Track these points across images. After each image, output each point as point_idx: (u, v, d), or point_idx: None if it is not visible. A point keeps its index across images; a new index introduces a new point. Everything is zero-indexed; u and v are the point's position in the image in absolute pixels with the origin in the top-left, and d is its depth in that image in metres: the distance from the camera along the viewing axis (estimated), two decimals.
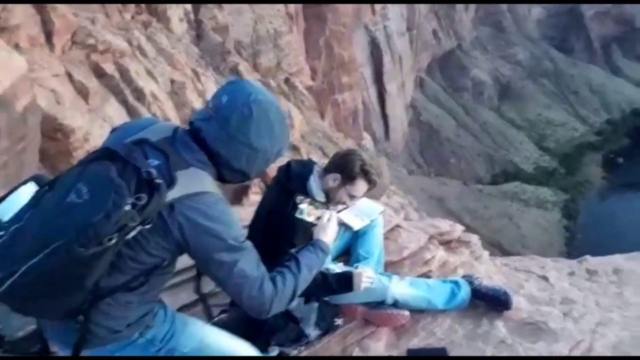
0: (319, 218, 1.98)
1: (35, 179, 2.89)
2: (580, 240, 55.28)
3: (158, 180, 1.44)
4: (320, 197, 2.53)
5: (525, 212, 58.42)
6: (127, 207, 1.39)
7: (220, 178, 1.68)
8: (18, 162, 13.01)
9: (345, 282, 2.59)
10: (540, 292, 3.25)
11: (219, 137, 1.61)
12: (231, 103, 1.62)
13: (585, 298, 3.24)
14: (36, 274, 1.37)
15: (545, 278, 3.54)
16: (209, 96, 22.33)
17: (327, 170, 2.65)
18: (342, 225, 2.86)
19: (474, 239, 3.81)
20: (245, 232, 1.71)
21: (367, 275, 2.59)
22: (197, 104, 20.12)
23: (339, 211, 2.82)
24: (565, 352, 2.58)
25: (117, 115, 16.78)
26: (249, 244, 1.63)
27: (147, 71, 18.16)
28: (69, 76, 14.93)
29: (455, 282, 2.90)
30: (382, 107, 60.67)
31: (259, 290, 1.62)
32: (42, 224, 1.42)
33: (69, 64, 15.22)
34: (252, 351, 1.96)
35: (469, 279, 2.96)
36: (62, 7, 15.19)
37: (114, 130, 1.77)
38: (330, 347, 2.59)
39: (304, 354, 2.50)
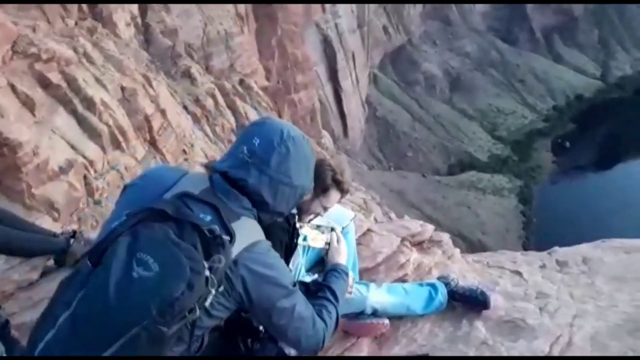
0: (327, 242, 2.03)
1: None
2: (536, 223, 57.47)
3: (225, 237, 1.35)
4: (317, 220, 2.46)
5: (482, 200, 60.21)
6: (207, 273, 1.28)
7: (258, 220, 1.60)
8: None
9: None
10: (514, 288, 3.25)
11: (261, 182, 1.54)
12: (267, 144, 1.55)
13: (558, 291, 3.24)
14: None
15: (518, 273, 3.54)
16: (162, 102, 21.82)
17: None
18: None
19: (445, 237, 3.78)
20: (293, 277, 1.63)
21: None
22: (150, 110, 19.56)
23: (309, 220, 2.76)
24: (545, 348, 2.57)
25: (66, 125, 16.08)
26: (296, 284, 1.59)
27: (95, 79, 17.49)
28: (12, 87, 14.17)
29: (432, 285, 2.87)
30: (339, 104, 61.07)
31: (313, 329, 1.61)
32: (110, 307, 1.23)
33: (12, 75, 14.44)
34: None
35: (444, 280, 2.93)
36: (0, 15, 14.41)
37: (129, 186, 1.63)
38: None
39: None
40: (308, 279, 2.56)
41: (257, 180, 1.53)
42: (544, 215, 57.21)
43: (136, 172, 17.85)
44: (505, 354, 2.55)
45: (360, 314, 2.66)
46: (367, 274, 3.05)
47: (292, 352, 2.36)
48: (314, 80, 46.15)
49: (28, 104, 14.58)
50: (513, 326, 2.75)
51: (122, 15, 23.73)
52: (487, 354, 2.55)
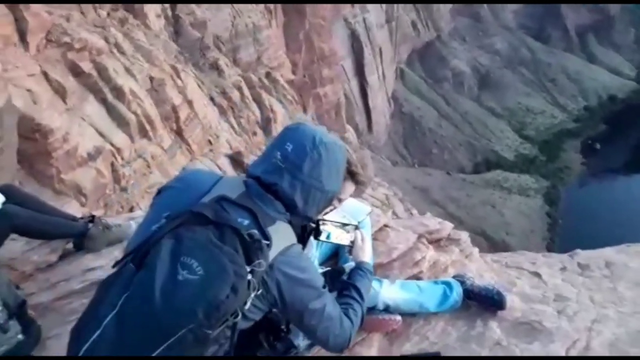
0: (352, 241, 2.05)
1: (2, 189, 2.81)
2: (562, 225, 56.25)
3: (265, 242, 1.39)
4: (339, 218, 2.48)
5: (507, 199, 59.20)
6: (249, 277, 1.32)
7: (290, 223, 1.63)
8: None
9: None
10: (533, 290, 3.18)
11: (294, 187, 1.58)
12: (299, 150, 1.60)
13: (579, 294, 3.15)
14: None
15: (537, 274, 3.46)
16: (189, 93, 22.13)
17: None
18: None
19: (464, 236, 3.66)
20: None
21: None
22: (177, 100, 19.90)
23: (324, 214, 2.78)
24: (562, 352, 2.51)
25: (96, 113, 16.51)
26: (326, 286, 1.63)
27: (125, 69, 17.88)
28: (45, 75, 14.63)
29: (447, 283, 2.82)
30: (364, 99, 60.77)
31: (341, 328, 1.65)
32: (156, 309, 1.24)
33: (45, 63, 14.90)
34: None
35: (460, 279, 2.87)
36: (35, 5, 14.83)
37: (165, 189, 1.66)
38: (320, 357, 2.44)
39: None
40: (321, 271, 2.61)
41: (289, 185, 1.57)
42: (570, 218, 55.96)
43: (162, 160, 18.22)
44: (519, 356, 2.51)
45: (372, 309, 2.63)
46: (381, 270, 3.01)
47: (300, 342, 2.37)
48: (340, 74, 46.03)
49: (60, 91, 15.03)
50: (529, 328, 2.70)
51: (153, 7, 24.13)
52: (500, 354, 2.51)
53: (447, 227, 3.64)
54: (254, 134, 26.86)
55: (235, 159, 20.46)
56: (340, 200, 2.54)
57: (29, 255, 2.90)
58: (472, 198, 57.74)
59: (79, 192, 14.17)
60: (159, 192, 1.67)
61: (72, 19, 16.86)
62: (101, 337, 1.26)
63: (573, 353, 2.52)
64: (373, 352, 2.53)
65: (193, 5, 27.47)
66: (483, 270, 3.34)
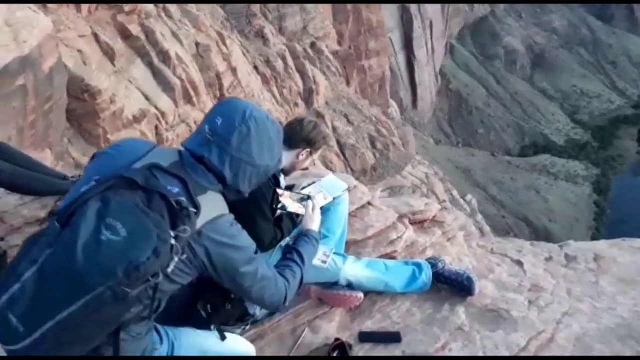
0: (303, 208, 2.14)
1: None
2: (610, 216, 54.13)
3: (192, 209, 1.43)
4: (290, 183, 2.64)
5: (554, 185, 57.32)
6: (173, 241, 1.37)
7: (224, 196, 1.67)
8: (46, 122, 13.25)
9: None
10: (510, 278, 3.14)
11: (222, 160, 1.60)
12: (228, 124, 1.62)
13: (556, 286, 3.11)
14: (72, 321, 1.30)
15: (519, 263, 3.41)
16: (233, 60, 22.19)
17: (289, 144, 2.58)
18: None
19: (450, 219, 3.66)
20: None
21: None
22: (222, 68, 20.04)
23: (302, 188, 2.81)
24: (523, 343, 2.50)
25: (142, 77, 16.86)
26: (258, 251, 1.69)
27: (172, 33, 18.10)
28: (96, 37, 14.99)
29: (418, 265, 2.79)
30: (411, 74, 59.50)
31: (276, 288, 1.71)
32: (77, 266, 1.30)
33: (96, 25, 15.25)
34: (248, 345, 2.03)
35: (433, 261, 2.84)
36: None
37: (99, 154, 1.68)
38: (280, 327, 2.55)
39: (251, 333, 2.45)
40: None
41: (218, 158, 1.59)
42: (619, 208, 53.68)
43: None
44: (478, 343, 2.50)
45: (335, 285, 2.68)
46: (354, 247, 3.02)
47: (257, 312, 2.37)
48: (387, 47, 45.05)
49: (109, 53, 15.39)
50: (496, 316, 2.68)
51: None
52: (460, 340, 2.51)
53: (434, 208, 3.62)
54: (296, 105, 26.82)
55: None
56: (283, 172, 2.61)
57: (20, 209, 2.98)
58: (516, 182, 56.19)
59: None
60: (94, 157, 1.70)
61: None
62: (21, 291, 1.32)
63: (535, 344, 2.51)
64: (333, 327, 2.58)
65: None
66: (463, 255, 3.33)
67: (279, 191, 2.10)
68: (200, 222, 1.47)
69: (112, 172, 1.48)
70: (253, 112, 1.65)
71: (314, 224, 2.10)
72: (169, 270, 1.39)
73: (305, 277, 1.90)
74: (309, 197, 2.05)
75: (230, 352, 1.91)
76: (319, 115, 27.49)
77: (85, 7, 15.16)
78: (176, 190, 1.48)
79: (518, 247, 3.87)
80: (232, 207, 2.49)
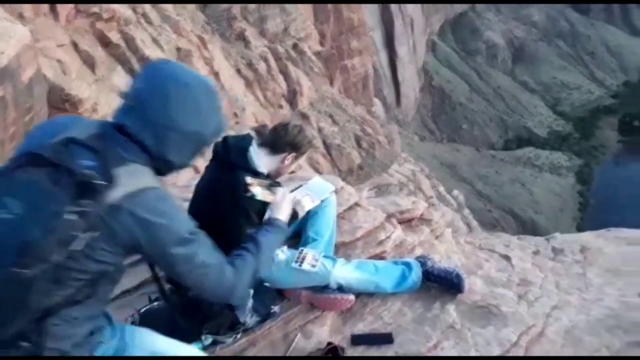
0: (272, 195, 2.01)
1: None
2: (594, 205, 54.90)
3: (97, 182, 1.33)
4: (263, 170, 2.54)
5: (538, 177, 57.99)
6: (70, 217, 1.28)
7: (158, 171, 1.53)
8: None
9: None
10: (498, 273, 3.16)
11: (143, 127, 1.46)
12: (148, 87, 1.48)
13: (544, 279, 3.14)
14: None
15: (507, 257, 3.44)
16: (215, 64, 22.07)
17: (274, 149, 2.57)
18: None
19: (437, 216, 3.67)
20: (194, 223, 1.54)
21: (312, 257, 2.62)
22: (204, 72, 19.89)
23: (291, 191, 2.75)
24: (514, 338, 2.51)
25: (124, 84, 16.68)
26: (201, 233, 1.54)
27: (152, 39, 17.94)
28: (75, 46, 14.80)
29: (407, 264, 2.79)
30: (393, 72, 59.73)
31: (220, 277, 1.55)
32: None
33: (74, 34, 15.06)
34: (200, 354, 1.95)
35: (422, 260, 2.85)
36: None
37: (25, 136, 1.60)
38: (271, 334, 2.53)
39: (242, 341, 2.45)
40: (277, 250, 2.59)
41: (137, 124, 1.47)
42: (602, 197, 54.50)
43: None
44: (470, 340, 2.51)
45: (325, 288, 2.65)
46: (343, 249, 3.01)
47: (247, 320, 2.41)
48: (369, 46, 45.15)
49: (89, 62, 15.20)
50: (486, 312, 2.70)
51: None
52: (452, 338, 2.52)
53: (420, 207, 3.63)
54: (280, 107, 26.76)
55: (261, 132, 20.50)
56: (269, 176, 2.56)
57: None
58: (501, 175, 56.74)
59: None
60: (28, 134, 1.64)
61: None
62: None
63: (526, 339, 2.52)
64: (325, 331, 2.55)
65: None
66: (452, 252, 3.34)
67: (248, 179, 2.02)
68: (115, 196, 1.36)
69: (26, 150, 1.41)
70: (174, 73, 1.50)
71: (281, 212, 1.95)
72: (78, 248, 1.31)
73: (282, 275, 1.83)
74: (278, 184, 1.96)
75: (177, 354, 1.81)
76: (304, 116, 27.48)
77: (63, 15, 14.94)
78: (89, 163, 1.38)
79: (505, 241, 3.90)
80: (218, 214, 2.45)
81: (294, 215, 2.65)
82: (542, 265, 3.40)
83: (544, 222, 48.70)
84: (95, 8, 15.80)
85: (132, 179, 1.41)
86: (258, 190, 1.98)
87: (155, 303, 2.46)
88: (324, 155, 27.00)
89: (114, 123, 1.49)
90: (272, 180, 2.00)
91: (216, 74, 20.84)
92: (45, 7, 14.41)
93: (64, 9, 14.85)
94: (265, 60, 26.68)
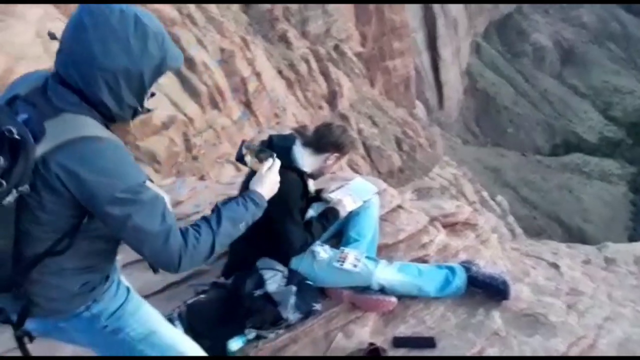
0: (269, 168, 1.80)
1: None
2: None
3: (16, 137, 1.29)
4: (306, 169, 2.57)
5: (587, 184, 55.74)
6: None
7: (109, 119, 1.44)
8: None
9: (332, 214, 2.68)
10: (546, 281, 3.06)
11: (68, 69, 1.38)
12: (72, 26, 1.37)
13: (596, 290, 3.03)
14: None
15: (555, 266, 3.33)
16: (258, 65, 22.32)
17: (318, 148, 2.61)
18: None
19: (482, 221, 3.59)
20: (142, 181, 1.42)
21: (354, 256, 2.60)
22: (246, 73, 20.15)
23: (331, 191, 2.85)
24: (563, 348, 2.41)
25: (170, 84, 17.10)
26: (147, 195, 1.41)
27: (197, 40, 18.28)
28: None
29: (451, 268, 2.73)
30: (436, 74, 58.88)
31: (163, 245, 1.42)
32: None
33: None
34: (200, 352, 1.87)
35: (467, 265, 2.79)
36: None
37: None
38: (313, 331, 2.51)
39: (284, 337, 2.45)
40: (319, 249, 2.64)
41: (65, 67, 1.38)
42: None
43: (231, 132, 18.64)
44: (516, 348, 2.43)
45: (367, 289, 2.63)
46: (386, 251, 2.97)
47: (290, 316, 2.41)
48: (411, 47, 44.68)
49: None
50: (533, 321, 2.60)
51: None
52: (496, 345, 2.44)
53: (465, 211, 3.57)
54: (320, 108, 26.80)
55: (300, 133, 20.59)
56: (312, 176, 2.60)
57: None
58: (548, 182, 54.86)
59: (153, 159, 14.81)
60: None
61: None
62: None
63: (576, 350, 2.43)
64: (366, 332, 2.53)
65: None
66: (497, 258, 3.26)
67: (246, 144, 1.83)
68: (44, 149, 1.32)
69: None
70: (95, 7, 1.35)
71: (261, 184, 1.73)
72: (5, 202, 1.32)
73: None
74: (272, 155, 1.77)
75: (172, 344, 1.76)
76: (344, 117, 27.41)
77: None
78: (25, 117, 1.35)
79: (553, 249, 3.80)
80: (264, 210, 2.42)
81: (336, 214, 2.67)
82: (593, 275, 3.29)
83: (593, 231, 46.72)
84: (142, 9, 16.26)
85: (63, 129, 1.34)
86: (248, 158, 1.79)
87: (202, 295, 2.51)
88: (364, 157, 26.84)
89: (54, 72, 1.43)
90: (266, 149, 1.81)
91: (258, 75, 21.06)
92: None
93: None
94: (307, 61, 26.79)
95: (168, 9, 17.44)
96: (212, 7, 20.98)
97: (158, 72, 1.45)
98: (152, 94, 1.54)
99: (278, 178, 1.78)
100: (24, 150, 1.30)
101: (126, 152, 1.42)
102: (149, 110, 1.57)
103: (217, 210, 1.58)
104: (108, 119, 1.44)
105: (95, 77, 1.36)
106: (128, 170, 1.39)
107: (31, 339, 1.63)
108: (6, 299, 1.53)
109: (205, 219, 1.55)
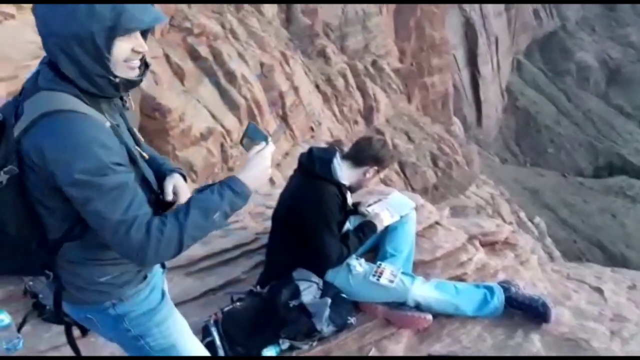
0: (259, 152, 1.58)
1: None
2: None
3: (0, 119, 1.35)
4: (345, 182, 2.58)
5: (631, 209, 53.35)
6: None
7: (93, 95, 1.38)
8: None
9: (369, 228, 2.68)
10: (589, 306, 2.96)
11: (43, 45, 1.35)
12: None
13: None
14: None
15: (599, 290, 3.23)
16: (296, 79, 22.59)
17: (357, 161, 2.63)
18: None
19: (522, 241, 3.51)
20: (111, 163, 1.31)
21: (390, 272, 2.57)
22: (285, 87, 20.45)
23: (368, 205, 2.83)
24: None
25: (210, 96, 17.52)
26: (112, 180, 1.31)
27: (238, 54, 18.70)
28: (167, 58, 15.77)
29: (489, 288, 2.68)
30: (475, 91, 58.05)
31: (124, 236, 1.33)
32: None
33: (167, 47, 16.06)
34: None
35: (506, 285, 2.73)
36: None
37: None
38: (346, 345, 2.50)
39: (317, 349, 2.44)
40: (355, 262, 2.64)
41: (44, 46, 1.36)
42: None
43: None
44: None
45: (402, 305, 2.60)
46: (422, 268, 2.94)
47: (324, 328, 2.41)
48: (450, 64, 44.33)
49: (179, 73, 16.13)
50: (574, 346, 2.52)
51: None
52: None
53: (505, 230, 3.49)
54: (356, 122, 26.85)
55: (335, 147, 20.66)
56: (350, 189, 2.60)
57: None
58: (589, 204, 52.88)
59: (191, 169, 15.15)
60: None
61: (193, 5, 17.93)
62: None
63: None
64: (400, 348, 2.50)
65: None
66: (537, 279, 3.18)
67: (248, 127, 1.63)
68: (19, 128, 1.31)
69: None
70: None
71: (244, 170, 1.52)
72: (3, 181, 1.32)
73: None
74: (265, 138, 1.59)
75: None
76: (379, 132, 27.35)
77: (158, 29, 16.01)
78: (8, 100, 1.41)
79: (597, 273, 3.66)
80: (301, 224, 2.47)
81: (373, 228, 2.67)
82: (639, 301, 3.15)
83: (637, 257, 44.63)
84: (187, 23, 16.77)
85: (35, 107, 1.32)
86: (245, 140, 1.61)
87: (238, 303, 2.55)
88: (398, 173, 26.64)
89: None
90: (262, 131, 1.63)
91: (296, 89, 21.33)
92: None
93: (159, 24, 15.94)
94: (344, 76, 26.97)
95: (212, 24, 17.93)
96: (254, 22, 21.45)
97: (112, 33, 1.30)
98: (147, 65, 1.47)
99: (268, 164, 1.54)
100: (4, 130, 1.34)
101: (100, 131, 1.32)
102: (140, 81, 1.44)
103: (188, 200, 1.46)
104: (92, 95, 1.38)
105: (53, 46, 1.32)
106: (93, 150, 1.29)
107: (84, 332, 1.68)
108: (43, 284, 1.57)
109: (176, 210, 1.45)
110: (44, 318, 2.52)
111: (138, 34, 1.37)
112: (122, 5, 1.28)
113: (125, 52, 1.35)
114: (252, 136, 1.59)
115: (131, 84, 1.42)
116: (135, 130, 1.66)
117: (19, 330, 2.41)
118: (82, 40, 1.28)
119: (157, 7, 1.41)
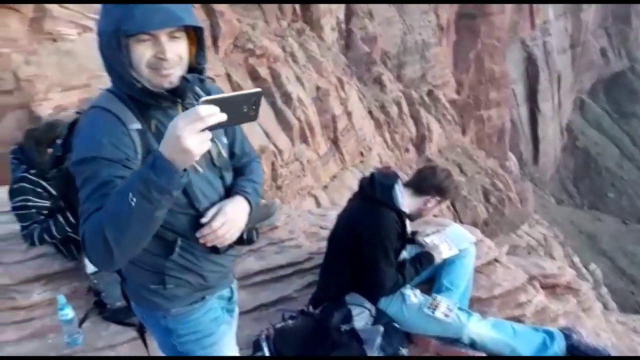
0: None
1: None
2: None
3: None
4: (405, 209, 2.55)
5: None
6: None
7: (137, 100, 1.35)
8: None
9: (426, 259, 2.65)
10: None
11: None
12: None
13: None
14: None
15: None
16: (350, 105, 22.72)
17: (419, 190, 2.61)
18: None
19: (585, 287, 3.35)
20: (94, 155, 1.27)
21: (446, 306, 2.52)
22: (338, 111, 20.64)
23: (426, 235, 2.79)
24: None
25: (265, 116, 17.94)
26: (87, 171, 1.28)
27: (296, 77, 19.09)
28: (228, 77, 16.31)
29: (550, 333, 2.53)
30: (533, 127, 56.37)
31: (82, 225, 1.26)
32: None
33: (229, 66, 16.64)
34: None
35: (567, 332, 2.57)
36: (229, 13, 16.63)
37: None
38: None
39: None
40: (409, 292, 2.60)
41: None
42: None
43: (316, 166, 19.04)
44: None
45: (456, 341, 2.52)
46: (478, 305, 2.84)
47: (375, 353, 2.34)
48: (509, 98, 43.39)
49: None
50: None
51: (329, 20, 25.46)
52: None
53: (567, 273, 3.34)
54: (407, 150, 26.63)
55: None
56: (410, 217, 2.57)
57: None
58: None
59: None
60: None
61: (257, 27, 18.55)
62: None
63: None
64: None
65: (366, 20, 28.34)
66: (601, 329, 3.03)
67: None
68: None
69: None
70: None
71: (166, 142, 1.17)
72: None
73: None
74: (196, 97, 1.44)
75: None
76: (429, 162, 26.99)
77: (222, 49, 16.62)
78: None
79: None
80: (357, 247, 2.50)
81: (430, 259, 2.62)
82: None
83: None
84: (250, 45, 17.34)
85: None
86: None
87: (290, 321, 2.57)
88: (447, 206, 26.08)
89: None
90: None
91: (349, 114, 21.48)
92: (209, 40, 16.20)
93: (224, 44, 16.54)
94: (398, 104, 26.92)
95: (274, 46, 18.44)
96: (314, 47, 21.89)
97: (116, 36, 1.26)
98: (201, 71, 1.40)
99: (176, 132, 1.14)
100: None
101: (107, 125, 1.31)
102: (188, 81, 1.34)
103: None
104: (138, 101, 1.35)
105: (100, 49, 1.34)
106: (90, 141, 1.30)
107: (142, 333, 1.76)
108: (106, 283, 1.63)
109: None
110: (104, 317, 2.62)
111: (162, 39, 1.29)
112: (133, 5, 1.23)
113: (143, 56, 1.29)
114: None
115: (175, 94, 1.35)
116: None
117: (80, 325, 2.50)
118: (102, 40, 1.30)
119: (193, 10, 1.35)
